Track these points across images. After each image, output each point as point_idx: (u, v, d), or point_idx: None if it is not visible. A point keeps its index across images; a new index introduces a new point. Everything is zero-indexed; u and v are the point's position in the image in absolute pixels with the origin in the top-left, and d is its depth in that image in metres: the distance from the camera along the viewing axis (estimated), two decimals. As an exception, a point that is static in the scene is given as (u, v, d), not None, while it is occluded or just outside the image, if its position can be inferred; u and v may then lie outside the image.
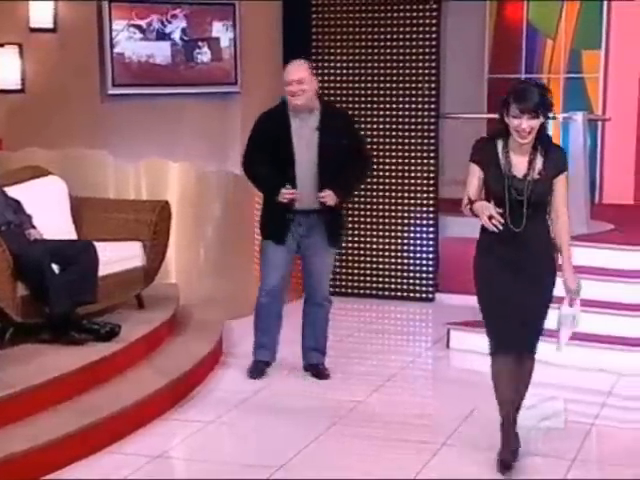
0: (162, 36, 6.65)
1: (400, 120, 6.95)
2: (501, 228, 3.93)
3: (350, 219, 7.14)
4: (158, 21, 6.64)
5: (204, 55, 6.83)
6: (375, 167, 7.04)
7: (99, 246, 5.32)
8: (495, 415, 4.13)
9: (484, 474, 4.05)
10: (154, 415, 4.67)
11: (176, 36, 6.74)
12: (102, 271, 5.30)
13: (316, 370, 5.33)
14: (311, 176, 4.93)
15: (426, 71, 6.85)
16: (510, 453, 4.09)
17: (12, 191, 5.46)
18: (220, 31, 6.84)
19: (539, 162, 3.99)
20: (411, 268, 7.04)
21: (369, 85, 7.02)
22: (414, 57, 6.86)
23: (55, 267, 5.13)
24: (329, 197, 4.91)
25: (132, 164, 6.49)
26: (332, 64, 7.09)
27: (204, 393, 5.10)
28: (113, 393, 4.70)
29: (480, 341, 5.70)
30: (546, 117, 3.95)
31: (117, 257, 5.50)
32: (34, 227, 5.37)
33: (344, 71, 7.06)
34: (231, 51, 6.84)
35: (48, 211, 5.53)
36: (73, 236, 5.68)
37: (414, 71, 6.88)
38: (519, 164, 3.99)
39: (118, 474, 4.05)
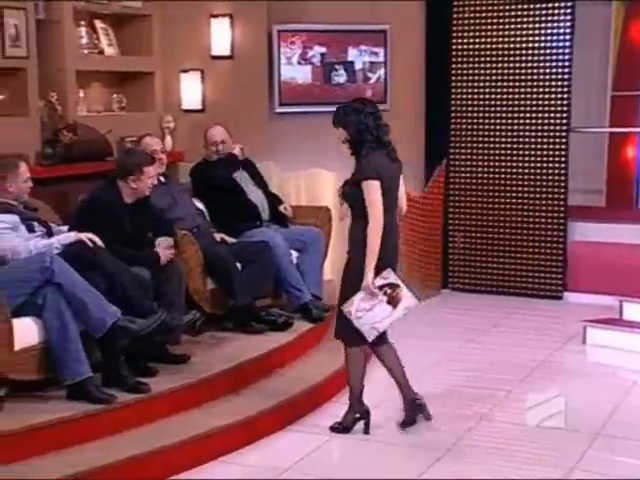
0: (305, 60, 6.72)
1: (534, 134, 6.88)
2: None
3: (490, 224, 7.14)
4: (304, 47, 6.71)
5: (340, 77, 6.87)
6: (510, 177, 7.05)
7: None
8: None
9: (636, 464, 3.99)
10: (330, 395, 4.74)
11: (316, 60, 6.80)
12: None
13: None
14: None
15: (559, 89, 6.76)
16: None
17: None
18: (354, 56, 6.87)
19: (354, 169, 4.14)
20: (542, 268, 6.96)
21: (504, 102, 6.97)
22: (547, 77, 6.78)
23: (238, 265, 5.31)
24: None
25: (293, 173, 6.62)
26: (470, 84, 7.06)
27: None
28: (292, 377, 4.81)
29: (616, 338, 5.67)
30: (346, 130, 4.09)
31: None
32: (218, 231, 5.57)
33: (482, 90, 7.02)
34: (365, 73, 6.87)
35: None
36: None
37: (547, 89, 6.80)
38: None
39: (304, 450, 4.15)
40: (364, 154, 4.09)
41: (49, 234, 4.48)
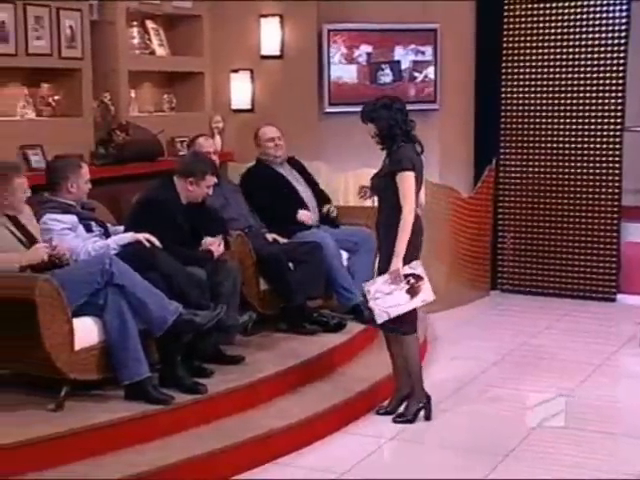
0: (347, 60, 6.69)
1: (587, 133, 6.79)
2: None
3: (541, 224, 7.06)
4: (348, 47, 6.68)
5: (386, 76, 6.84)
6: (562, 177, 6.97)
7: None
8: None
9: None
10: (385, 396, 4.66)
11: (362, 60, 6.76)
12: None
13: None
14: None
15: (613, 88, 6.67)
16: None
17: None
18: (400, 55, 6.83)
19: (386, 162, 4.30)
20: (594, 270, 6.88)
21: (556, 102, 6.89)
22: (601, 75, 6.70)
23: (290, 265, 5.30)
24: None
25: (342, 173, 6.60)
26: (521, 82, 6.98)
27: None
28: (348, 378, 4.79)
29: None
30: (375, 124, 4.24)
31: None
32: (270, 232, 5.57)
33: (533, 89, 6.95)
34: (411, 72, 6.83)
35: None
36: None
37: (601, 88, 6.72)
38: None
39: (361, 453, 4.13)
40: (396, 148, 4.24)
41: (106, 234, 4.52)
